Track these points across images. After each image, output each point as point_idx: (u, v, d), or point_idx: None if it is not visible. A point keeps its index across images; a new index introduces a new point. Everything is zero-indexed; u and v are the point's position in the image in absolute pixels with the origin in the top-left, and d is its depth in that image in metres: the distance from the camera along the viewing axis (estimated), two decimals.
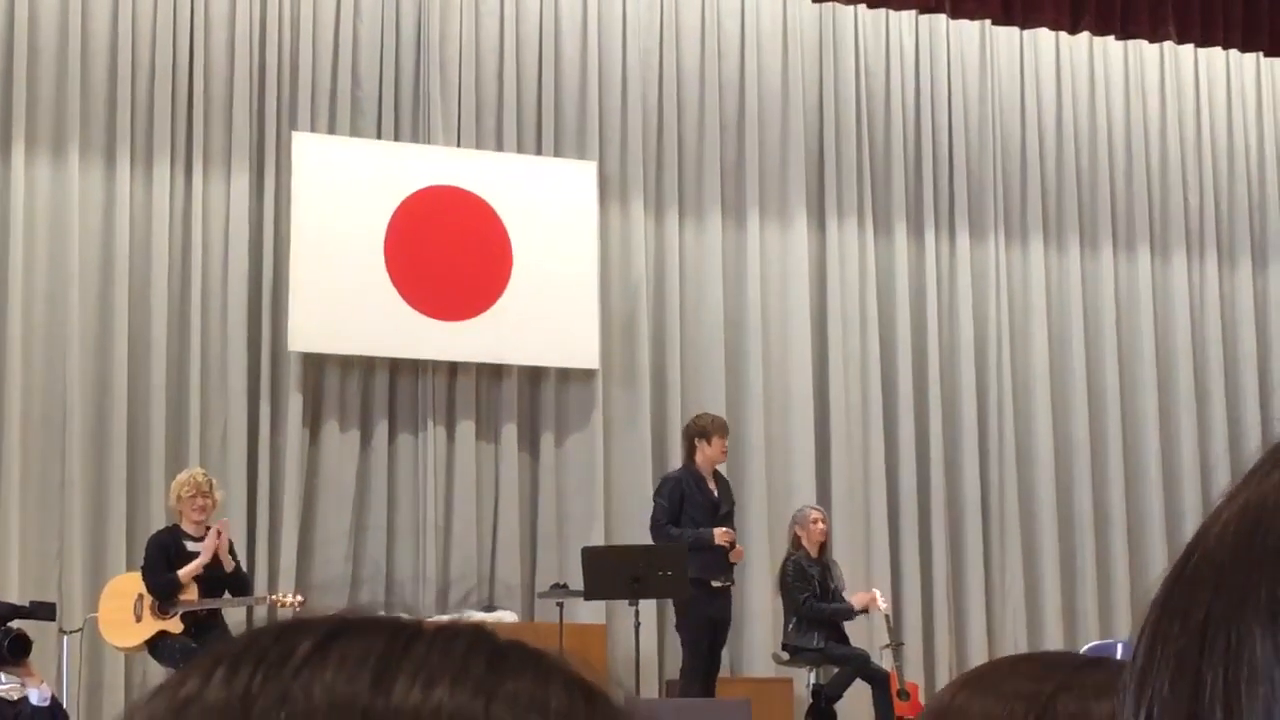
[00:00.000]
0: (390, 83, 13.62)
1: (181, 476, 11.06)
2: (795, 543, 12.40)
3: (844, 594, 12.41)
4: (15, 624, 8.13)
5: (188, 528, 10.83)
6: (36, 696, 8.24)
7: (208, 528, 10.84)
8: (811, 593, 12.12)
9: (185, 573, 10.59)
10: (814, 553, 12.31)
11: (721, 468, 12.23)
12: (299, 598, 11.36)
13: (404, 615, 0.86)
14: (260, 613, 12.32)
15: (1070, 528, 15.06)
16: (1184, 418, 15.53)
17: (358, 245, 13.14)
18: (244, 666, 0.79)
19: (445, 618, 12.30)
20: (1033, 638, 14.48)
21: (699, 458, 11.75)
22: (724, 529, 11.53)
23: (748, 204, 14.43)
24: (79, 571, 12.22)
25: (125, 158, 12.78)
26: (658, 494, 11.91)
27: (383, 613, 0.84)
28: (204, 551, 10.63)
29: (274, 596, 11.42)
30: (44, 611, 8.39)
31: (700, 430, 11.86)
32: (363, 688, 0.77)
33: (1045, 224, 15.41)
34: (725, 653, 12.43)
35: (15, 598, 10.34)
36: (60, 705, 8.64)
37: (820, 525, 12.39)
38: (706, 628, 11.53)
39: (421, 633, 0.82)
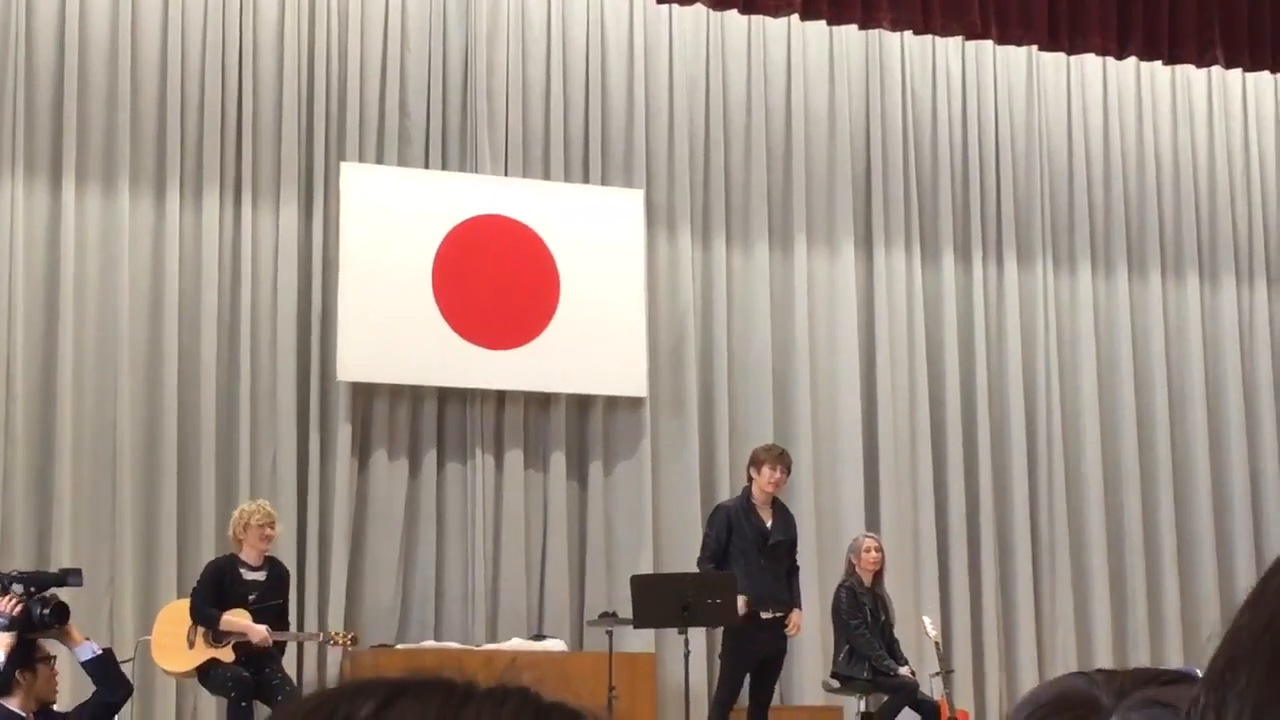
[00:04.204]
0: (438, 113, 13.66)
1: (249, 506, 11.07)
2: (850, 570, 12.35)
3: (894, 628, 12.34)
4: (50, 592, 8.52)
5: (247, 556, 10.84)
6: (88, 651, 8.50)
7: (267, 558, 10.90)
8: (863, 621, 12.07)
9: (228, 622, 10.60)
10: (867, 581, 12.24)
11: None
12: (351, 635, 11.40)
13: (456, 678, 0.96)
14: (311, 648, 12.39)
15: (1120, 552, 15.02)
16: (1234, 441, 15.48)
17: (406, 275, 13.19)
18: None
19: (494, 647, 12.33)
20: (1083, 663, 14.41)
21: (754, 487, 11.74)
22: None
23: (795, 231, 14.43)
24: (129, 602, 12.27)
25: (175, 189, 12.84)
26: (707, 524, 11.91)
27: (449, 673, 0.93)
28: (255, 633, 10.60)
29: (327, 635, 11.42)
30: (73, 578, 8.70)
31: (753, 459, 11.83)
32: None
33: (1093, 249, 15.38)
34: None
35: None
36: (112, 653, 8.88)
37: (873, 554, 12.29)
38: (748, 662, 11.47)
39: (472, 695, 0.92)
